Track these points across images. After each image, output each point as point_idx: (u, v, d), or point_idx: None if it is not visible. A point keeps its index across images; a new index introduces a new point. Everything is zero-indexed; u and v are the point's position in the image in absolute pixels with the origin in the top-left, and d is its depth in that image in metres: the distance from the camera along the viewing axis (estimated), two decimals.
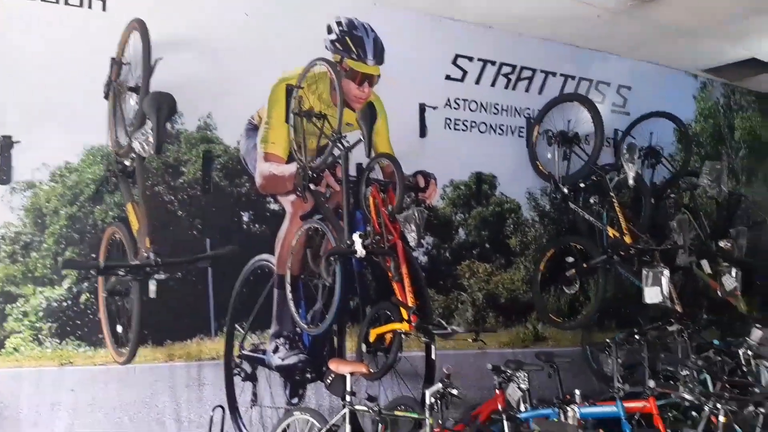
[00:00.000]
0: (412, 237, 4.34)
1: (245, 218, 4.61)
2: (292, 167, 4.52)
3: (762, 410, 3.00)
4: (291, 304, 4.61)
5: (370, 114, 4.11)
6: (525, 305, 5.80)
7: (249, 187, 4.60)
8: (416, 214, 4.30)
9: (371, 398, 3.66)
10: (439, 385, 3.43)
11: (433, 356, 4.93)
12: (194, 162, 4.42)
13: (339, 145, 4.09)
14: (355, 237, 4.00)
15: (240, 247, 4.48)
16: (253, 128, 4.60)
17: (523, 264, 5.84)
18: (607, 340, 4.75)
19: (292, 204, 4.69)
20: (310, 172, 4.33)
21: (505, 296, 5.73)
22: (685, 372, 3.81)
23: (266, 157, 4.56)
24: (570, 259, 5.56)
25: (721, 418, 3.06)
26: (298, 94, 4.40)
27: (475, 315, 5.55)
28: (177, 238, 4.33)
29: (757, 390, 3.96)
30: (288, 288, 4.61)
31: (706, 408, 3.21)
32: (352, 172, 4.85)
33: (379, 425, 4.49)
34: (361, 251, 3.97)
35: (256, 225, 4.63)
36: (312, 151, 4.52)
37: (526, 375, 4.53)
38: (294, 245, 4.59)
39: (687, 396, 3.12)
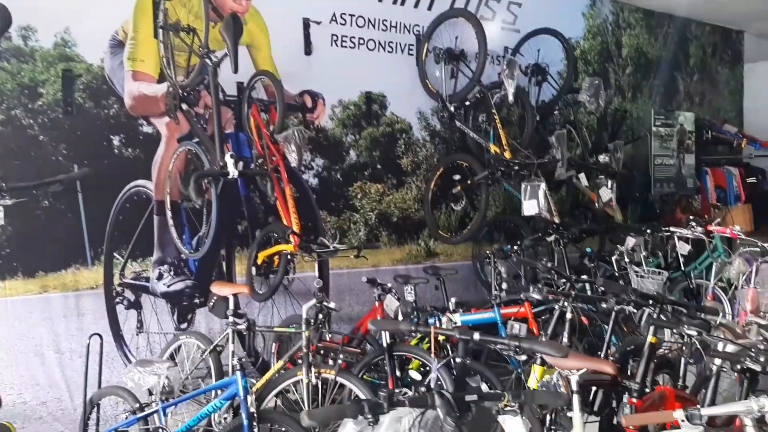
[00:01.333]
0: (293, 158, 4.30)
1: (116, 142, 4.37)
2: (164, 87, 4.31)
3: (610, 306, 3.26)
4: (172, 230, 4.51)
5: (234, 26, 3.92)
6: (417, 223, 5.94)
7: (118, 109, 4.34)
8: (296, 134, 4.24)
9: (238, 315, 3.67)
10: (313, 301, 3.50)
11: (318, 275, 5.04)
12: (53, 82, 4.09)
13: (207, 60, 3.90)
14: (227, 158, 3.91)
15: (112, 173, 4.29)
16: (118, 44, 4.29)
17: (415, 183, 5.93)
18: (488, 252, 4.98)
19: (167, 126, 4.50)
20: (181, 92, 4.13)
21: (397, 215, 5.83)
22: (544, 275, 4.05)
23: (135, 76, 4.30)
24: (457, 177, 5.70)
25: (568, 315, 3.33)
26: (165, 6, 4.13)
27: (368, 234, 5.64)
28: (40, 164, 4.07)
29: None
30: (168, 214, 4.50)
31: (556, 306, 3.47)
32: (234, 91, 4.71)
33: (273, 344, 4.62)
34: (233, 172, 3.89)
35: (129, 149, 4.41)
36: (183, 69, 4.31)
37: (412, 288, 4.73)
38: (171, 170, 4.44)
39: (535, 296, 3.35)
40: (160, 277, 4.53)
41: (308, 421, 1.59)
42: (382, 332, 3.65)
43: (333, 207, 5.45)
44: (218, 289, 4.00)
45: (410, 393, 1.75)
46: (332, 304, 3.65)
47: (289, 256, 4.40)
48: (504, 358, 4.47)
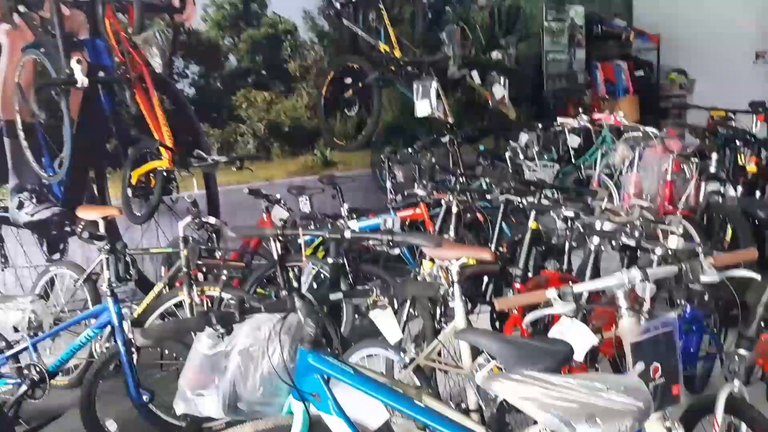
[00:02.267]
0: (157, 63, 3.87)
1: None
2: None
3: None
4: (28, 153, 4.02)
5: None
6: (310, 132, 5.67)
7: None
8: (158, 36, 3.80)
9: (98, 238, 3.36)
10: (188, 218, 3.24)
11: (206, 191, 4.75)
12: None
13: None
14: (74, 65, 3.43)
15: None
16: None
17: (305, 90, 5.60)
18: (381, 156, 4.84)
19: (8, 34, 3.91)
20: None
21: (288, 125, 5.52)
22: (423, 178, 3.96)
23: None
24: (348, 80, 5.43)
25: (454, 209, 3.28)
26: None
27: (258, 146, 5.33)
28: None
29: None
30: (21, 135, 3.99)
31: (443, 201, 3.41)
32: None
33: (162, 267, 4.34)
34: (82, 81, 3.44)
35: None
36: None
37: (307, 198, 4.54)
38: (17, 84, 3.89)
39: (420, 192, 3.26)
40: (20, 206, 4.08)
41: (142, 339, 1.40)
42: (272, 244, 3.48)
43: (216, 119, 5.06)
44: (84, 213, 3.63)
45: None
46: (212, 220, 3.40)
47: (165, 173, 4.05)
48: (403, 260, 4.46)
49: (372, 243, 2.09)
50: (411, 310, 3.12)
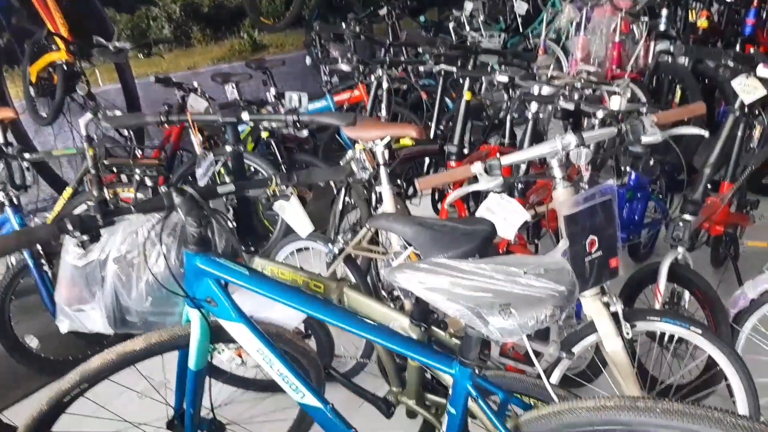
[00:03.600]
0: None
1: None
2: None
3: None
4: None
5: None
6: (234, 12, 5.14)
7: None
8: None
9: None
10: (88, 115, 2.87)
11: (121, 85, 4.31)
12: None
13: None
14: None
15: None
16: None
17: None
18: (312, 34, 4.42)
19: None
20: None
21: (208, 5, 4.97)
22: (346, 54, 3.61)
23: None
24: None
25: (385, 84, 2.98)
26: None
27: (176, 31, 4.81)
28: None
29: None
30: None
31: (373, 78, 3.10)
32: None
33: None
34: None
35: None
36: None
37: (234, 86, 4.15)
38: None
39: (344, 67, 2.95)
40: None
41: None
42: (193, 137, 3.15)
43: (122, 2, 4.50)
44: None
45: None
46: (118, 113, 3.03)
47: (65, 67, 3.59)
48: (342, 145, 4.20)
49: (289, 129, 1.82)
50: (348, 199, 2.91)
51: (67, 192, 3.15)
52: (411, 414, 1.81)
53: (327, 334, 2.23)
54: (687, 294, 2.21)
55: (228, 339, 1.54)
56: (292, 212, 1.59)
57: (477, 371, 1.12)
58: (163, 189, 1.35)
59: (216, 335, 1.53)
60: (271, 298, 1.33)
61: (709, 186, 2.21)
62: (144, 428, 1.74)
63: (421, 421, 1.81)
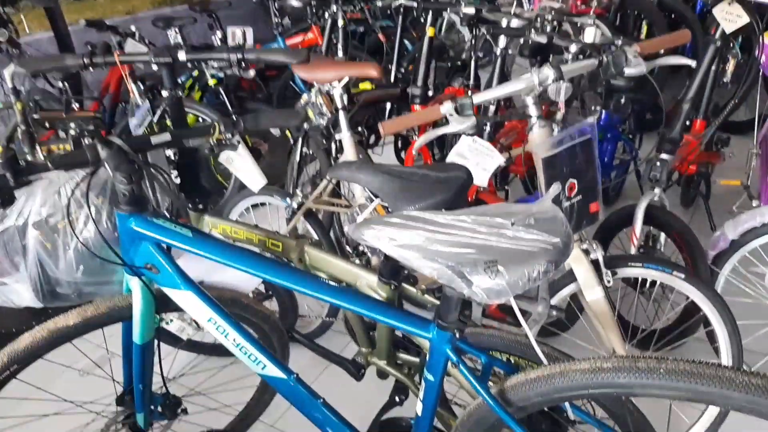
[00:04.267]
0: None
1: None
2: None
3: None
4: None
5: None
6: None
7: None
8: None
9: None
10: (11, 66, 2.57)
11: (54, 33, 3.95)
12: None
13: None
14: None
15: None
16: None
17: None
18: None
19: None
20: None
21: None
22: None
23: None
24: None
25: (340, 22, 2.76)
26: None
27: None
28: None
29: None
30: None
31: (327, 15, 2.87)
32: None
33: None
34: None
35: None
36: None
37: (177, 30, 3.85)
38: None
39: (294, 3, 2.71)
40: None
41: None
42: (130, 86, 2.89)
43: None
44: None
45: None
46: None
47: None
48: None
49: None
50: (305, 149, 2.73)
51: None
52: (382, 375, 1.70)
53: (290, 295, 2.09)
54: (663, 237, 2.14)
55: (177, 308, 1.38)
56: (240, 164, 1.41)
57: (457, 335, 0.99)
58: (87, 141, 1.16)
59: (162, 304, 1.36)
60: (219, 262, 1.17)
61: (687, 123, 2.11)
62: (90, 407, 1.59)
63: (394, 382, 1.70)
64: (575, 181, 1.54)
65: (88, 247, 1.23)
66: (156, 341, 1.43)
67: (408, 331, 1.04)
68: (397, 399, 1.66)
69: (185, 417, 1.62)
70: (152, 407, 1.56)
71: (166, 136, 1.23)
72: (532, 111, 1.54)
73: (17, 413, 1.50)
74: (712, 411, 1.63)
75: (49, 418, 1.56)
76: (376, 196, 1.28)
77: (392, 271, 1.40)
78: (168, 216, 1.28)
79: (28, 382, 1.41)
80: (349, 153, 1.94)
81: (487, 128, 2.35)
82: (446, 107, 1.43)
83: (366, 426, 1.62)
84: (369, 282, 1.47)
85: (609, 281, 1.57)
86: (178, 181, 1.54)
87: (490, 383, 1.03)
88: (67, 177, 1.24)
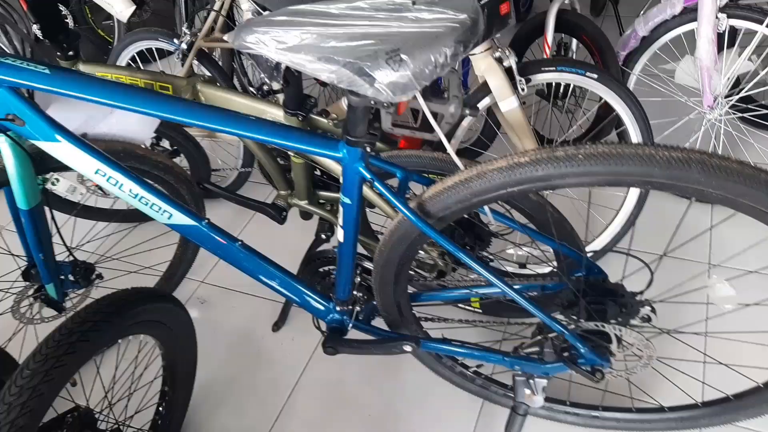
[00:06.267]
0: None
1: None
2: None
3: None
4: None
5: None
6: None
7: None
8: None
9: None
10: None
11: None
12: None
13: None
14: None
15: None
16: None
17: None
18: None
19: None
20: None
21: None
22: None
23: None
24: None
25: None
26: None
27: None
28: None
29: None
30: None
31: None
32: None
33: None
34: None
35: None
36: None
37: None
38: None
39: None
40: None
41: None
42: None
43: None
44: None
45: None
46: None
47: None
48: None
49: None
50: None
51: None
52: (306, 215, 1.65)
53: (196, 147, 1.94)
54: (575, 43, 2.09)
55: (61, 165, 1.24)
56: None
57: (368, 149, 0.92)
58: None
59: (42, 162, 1.21)
60: (92, 102, 1.01)
61: None
62: None
63: (317, 221, 1.66)
64: None
65: None
66: (47, 207, 1.30)
67: (316, 153, 0.95)
68: (323, 237, 1.63)
69: (104, 283, 1.54)
70: (62, 277, 1.46)
71: None
72: None
73: None
74: (630, 203, 1.67)
75: None
76: (265, 9, 1.12)
77: (297, 100, 1.28)
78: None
79: None
80: None
81: None
82: None
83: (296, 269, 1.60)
84: (275, 116, 1.36)
85: (523, 89, 1.52)
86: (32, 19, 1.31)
87: (409, 200, 0.99)
88: None
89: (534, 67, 1.54)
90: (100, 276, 1.52)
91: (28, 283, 1.46)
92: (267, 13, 1.14)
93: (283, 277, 1.22)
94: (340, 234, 1.08)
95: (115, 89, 1.03)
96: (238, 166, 2.23)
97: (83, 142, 1.11)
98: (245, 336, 1.77)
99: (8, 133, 1.10)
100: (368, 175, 0.94)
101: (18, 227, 1.32)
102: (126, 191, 1.14)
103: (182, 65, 2.00)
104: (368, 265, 1.25)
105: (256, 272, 1.21)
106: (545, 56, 1.98)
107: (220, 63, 2.00)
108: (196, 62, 1.93)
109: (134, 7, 1.33)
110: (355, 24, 0.75)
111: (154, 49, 2.16)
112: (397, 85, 0.72)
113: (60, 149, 1.10)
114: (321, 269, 1.37)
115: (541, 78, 1.55)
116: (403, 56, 0.71)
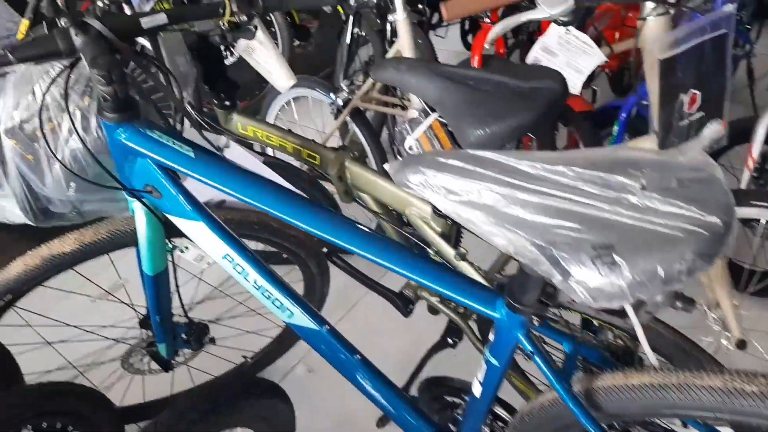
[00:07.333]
0: None
1: None
2: None
3: None
4: None
5: None
6: None
7: None
8: None
9: None
10: None
11: None
12: None
13: None
14: None
15: None
16: None
17: None
18: None
19: None
20: None
21: None
22: None
23: None
24: None
25: None
26: None
27: None
28: None
29: None
30: None
31: None
32: None
33: None
34: None
35: None
36: None
37: None
38: None
39: None
40: None
41: None
42: None
43: None
44: None
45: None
46: None
47: None
48: None
49: None
50: (358, 30, 2.37)
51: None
52: (434, 310, 1.48)
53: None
54: None
55: None
56: (262, 55, 1.11)
57: (535, 322, 0.72)
58: (62, 24, 0.88)
59: (173, 229, 1.15)
60: (228, 194, 0.91)
61: None
62: (107, 332, 1.45)
63: (446, 322, 1.48)
64: (698, 93, 1.17)
65: (60, 159, 0.99)
66: (172, 267, 1.24)
67: (467, 305, 0.77)
68: (449, 341, 1.45)
69: (218, 341, 1.47)
70: (175, 335, 1.40)
71: (161, 18, 0.94)
72: None
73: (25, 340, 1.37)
74: None
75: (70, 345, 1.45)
76: (433, 110, 0.97)
77: None
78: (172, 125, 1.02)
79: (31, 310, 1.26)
80: (404, 38, 1.59)
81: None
82: None
83: (412, 363, 1.43)
84: (422, 212, 1.20)
85: None
86: (197, 75, 1.26)
87: (574, 378, 0.77)
88: (38, 72, 0.98)
89: (742, 198, 1.26)
90: (212, 340, 1.45)
91: (143, 330, 1.41)
92: (440, 150, 1.00)
93: (406, 411, 1.05)
94: (476, 388, 0.89)
95: (259, 188, 0.92)
96: None
97: (217, 223, 1.01)
98: (346, 423, 1.62)
99: (144, 200, 1.04)
100: (528, 347, 0.74)
101: (143, 281, 1.27)
102: (250, 281, 1.03)
103: (335, 118, 1.92)
104: (503, 413, 1.04)
105: (372, 396, 1.06)
106: (746, 168, 1.66)
107: (371, 123, 1.89)
108: (348, 118, 1.85)
109: (294, 81, 1.25)
110: (553, 194, 0.56)
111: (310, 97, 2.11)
112: (602, 293, 0.52)
113: (191, 227, 1.02)
114: (445, 397, 1.18)
115: (746, 213, 1.26)
116: (617, 258, 0.51)
